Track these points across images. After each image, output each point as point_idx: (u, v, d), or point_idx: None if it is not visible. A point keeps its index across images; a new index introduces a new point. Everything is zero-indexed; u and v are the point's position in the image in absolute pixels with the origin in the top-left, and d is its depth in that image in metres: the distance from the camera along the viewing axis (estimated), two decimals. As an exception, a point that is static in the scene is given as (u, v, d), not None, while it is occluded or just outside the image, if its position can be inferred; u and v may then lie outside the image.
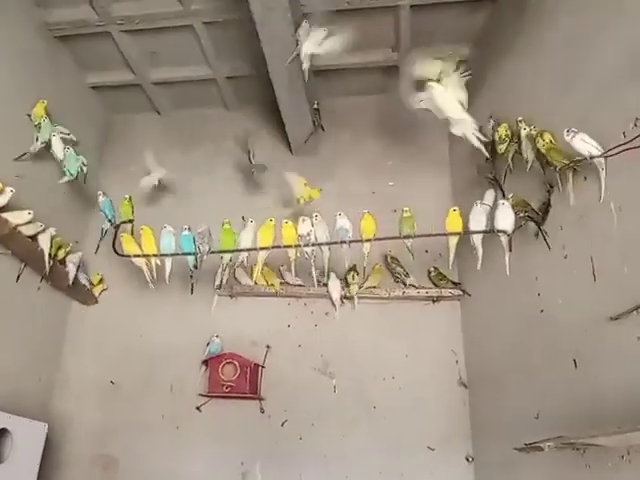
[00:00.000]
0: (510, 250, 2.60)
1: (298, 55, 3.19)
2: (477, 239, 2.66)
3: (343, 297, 3.64)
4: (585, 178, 2.26)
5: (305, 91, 3.71)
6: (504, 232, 2.60)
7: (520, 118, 2.78)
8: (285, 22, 3.03)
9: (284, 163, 4.21)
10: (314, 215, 2.96)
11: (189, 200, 4.18)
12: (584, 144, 2.19)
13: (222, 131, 4.40)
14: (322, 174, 4.10)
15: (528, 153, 2.62)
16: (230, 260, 3.10)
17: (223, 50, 3.91)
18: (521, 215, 2.60)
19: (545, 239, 2.47)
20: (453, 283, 3.60)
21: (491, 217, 2.72)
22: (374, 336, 3.64)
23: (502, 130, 2.82)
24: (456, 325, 3.59)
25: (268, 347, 3.67)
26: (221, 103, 4.47)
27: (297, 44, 3.17)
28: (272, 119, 4.33)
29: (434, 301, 3.63)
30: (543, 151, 2.47)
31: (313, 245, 2.87)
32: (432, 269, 3.63)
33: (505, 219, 2.60)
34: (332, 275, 3.57)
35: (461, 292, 3.56)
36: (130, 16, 3.67)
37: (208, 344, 3.61)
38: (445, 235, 2.77)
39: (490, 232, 2.63)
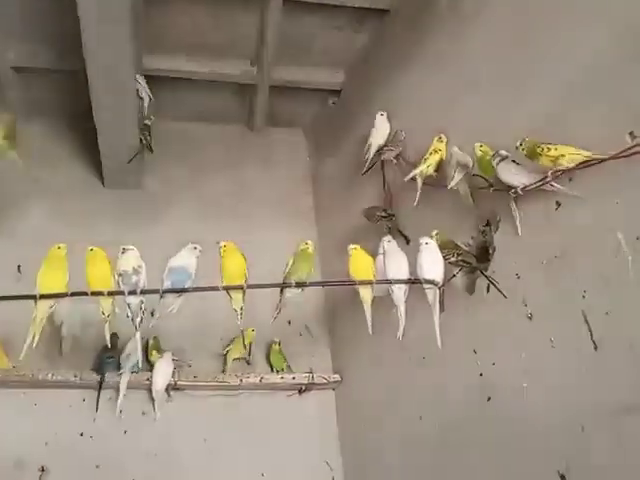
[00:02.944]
0: (442, 309, 1.86)
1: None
2: (399, 292, 1.88)
3: (172, 387, 2.57)
4: (558, 204, 1.66)
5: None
6: (432, 283, 1.86)
7: (441, 135, 2.19)
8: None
9: (91, 198, 3.18)
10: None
11: None
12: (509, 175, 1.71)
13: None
14: (147, 213, 3.15)
15: (456, 172, 2.00)
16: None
17: (7, 20, 2.78)
18: (452, 260, 1.91)
19: (497, 287, 1.79)
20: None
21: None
22: (215, 446, 2.65)
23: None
24: (331, 425, 2.72)
25: (43, 470, 2.46)
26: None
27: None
28: (77, 135, 3.28)
29: (301, 391, 2.74)
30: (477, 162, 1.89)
31: (144, 293, 1.81)
32: (275, 342, 2.84)
33: (432, 265, 1.87)
34: (165, 353, 2.59)
35: (337, 378, 2.74)
36: None
37: None
38: (351, 285, 1.94)
39: (415, 283, 1.88)
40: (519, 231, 1.72)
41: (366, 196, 2.77)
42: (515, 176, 1.69)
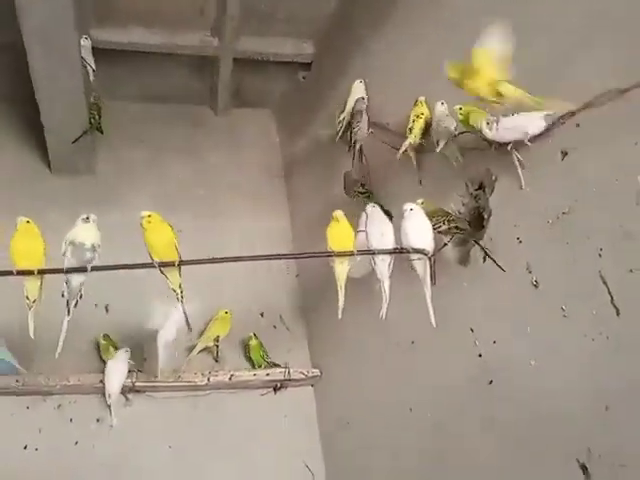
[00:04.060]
0: (434, 282, 1.65)
1: None
2: (382, 265, 1.66)
3: (130, 389, 2.31)
4: (564, 154, 1.46)
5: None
6: (422, 253, 1.64)
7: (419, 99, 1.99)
8: None
9: (37, 185, 2.91)
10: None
11: None
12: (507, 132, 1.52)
13: None
14: (100, 201, 2.86)
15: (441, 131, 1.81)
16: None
17: None
18: (443, 228, 1.70)
19: (493, 260, 1.59)
20: (270, 364, 2.57)
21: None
22: (181, 453, 2.39)
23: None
24: (310, 424, 2.49)
25: (-18, 490, 2.14)
26: None
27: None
28: (20, 118, 3.00)
29: (277, 388, 2.51)
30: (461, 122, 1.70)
31: (74, 270, 1.52)
32: (252, 336, 2.58)
33: (420, 232, 1.65)
34: (119, 351, 2.33)
35: (316, 372, 2.51)
36: None
37: None
38: (328, 255, 1.71)
39: (402, 253, 1.65)
40: (522, 184, 1.51)
41: (341, 175, 2.56)
42: (510, 131, 1.50)
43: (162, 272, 1.60)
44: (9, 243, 1.49)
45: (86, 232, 1.57)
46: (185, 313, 1.67)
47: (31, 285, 1.50)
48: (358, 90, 2.36)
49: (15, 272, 1.46)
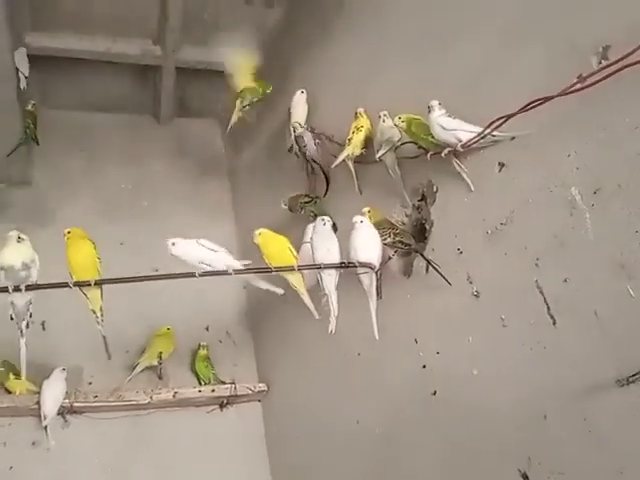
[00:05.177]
0: (380, 296, 1.64)
1: None
2: (328, 280, 1.64)
3: (68, 410, 2.22)
4: (501, 165, 1.48)
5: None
6: (368, 267, 1.63)
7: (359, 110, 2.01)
8: None
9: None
10: None
11: None
12: (444, 132, 1.52)
13: None
14: (36, 213, 2.78)
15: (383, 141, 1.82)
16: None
17: None
18: (388, 241, 1.70)
19: (440, 273, 1.59)
20: (215, 376, 2.53)
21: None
22: (122, 477, 2.31)
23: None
24: (258, 441, 2.44)
25: None
26: None
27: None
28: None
29: (223, 405, 2.45)
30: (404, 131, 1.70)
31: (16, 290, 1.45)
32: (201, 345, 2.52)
33: (368, 246, 1.65)
34: (55, 371, 2.24)
35: (263, 387, 2.47)
36: None
37: None
38: (269, 272, 1.67)
39: (349, 267, 1.64)
40: (472, 187, 1.53)
41: (289, 184, 2.56)
42: (451, 132, 1.51)
43: (82, 292, 1.55)
44: None
45: (13, 253, 1.50)
46: (105, 339, 1.62)
47: None
48: (296, 110, 2.36)
49: None
